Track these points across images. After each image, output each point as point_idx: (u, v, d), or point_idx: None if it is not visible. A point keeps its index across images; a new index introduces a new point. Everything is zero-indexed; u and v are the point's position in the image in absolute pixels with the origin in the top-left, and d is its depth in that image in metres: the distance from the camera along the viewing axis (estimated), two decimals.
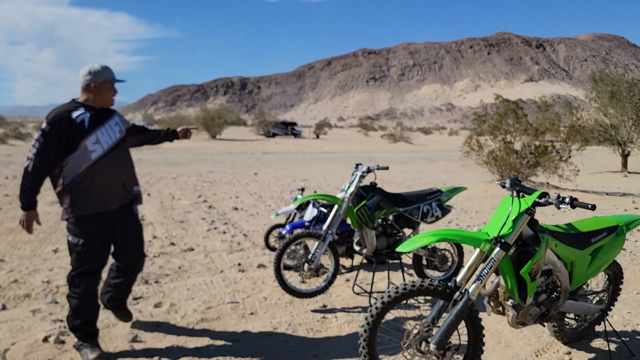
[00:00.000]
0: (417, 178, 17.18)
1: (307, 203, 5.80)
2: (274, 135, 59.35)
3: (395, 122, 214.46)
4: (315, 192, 5.76)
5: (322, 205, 5.25)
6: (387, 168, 4.50)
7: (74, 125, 3.19)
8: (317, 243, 4.28)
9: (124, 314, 3.72)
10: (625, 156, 21.63)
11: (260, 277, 5.13)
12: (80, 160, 3.18)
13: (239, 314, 4.09)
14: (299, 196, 5.87)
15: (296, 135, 60.77)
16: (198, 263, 5.62)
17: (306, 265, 4.22)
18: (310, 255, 4.26)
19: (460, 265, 4.72)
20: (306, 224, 5.22)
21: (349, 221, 4.47)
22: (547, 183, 14.20)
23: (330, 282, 4.33)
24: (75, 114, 3.23)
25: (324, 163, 24.22)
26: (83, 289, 3.24)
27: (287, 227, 5.28)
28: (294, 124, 66.75)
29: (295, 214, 5.98)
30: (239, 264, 5.55)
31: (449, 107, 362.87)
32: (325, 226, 4.28)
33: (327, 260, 4.55)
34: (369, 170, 4.34)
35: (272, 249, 6.10)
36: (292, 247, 5.25)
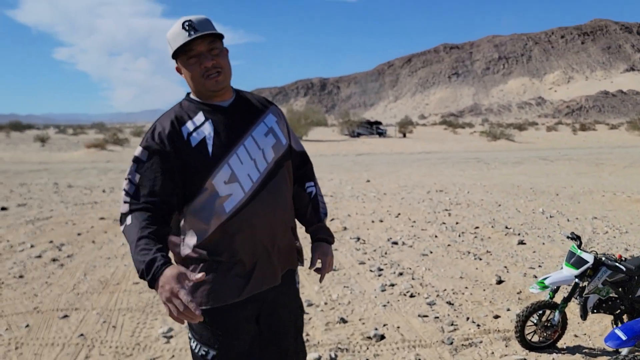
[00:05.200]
0: (553, 183, 13.70)
1: (595, 267, 3.16)
2: (358, 135, 57.33)
3: (481, 119, 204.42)
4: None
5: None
6: None
7: (188, 151, 1.63)
8: None
9: None
10: None
11: None
12: (208, 213, 1.64)
13: None
14: (580, 251, 3.24)
15: (381, 134, 58.43)
16: None
17: None
18: None
19: None
20: None
21: None
22: None
23: None
24: (188, 128, 1.66)
25: (428, 165, 21.18)
26: None
27: (621, 334, 2.62)
28: (379, 122, 64.86)
29: (576, 284, 3.34)
30: None
31: (538, 101, 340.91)
32: None
33: None
34: None
35: (531, 347, 3.49)
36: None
